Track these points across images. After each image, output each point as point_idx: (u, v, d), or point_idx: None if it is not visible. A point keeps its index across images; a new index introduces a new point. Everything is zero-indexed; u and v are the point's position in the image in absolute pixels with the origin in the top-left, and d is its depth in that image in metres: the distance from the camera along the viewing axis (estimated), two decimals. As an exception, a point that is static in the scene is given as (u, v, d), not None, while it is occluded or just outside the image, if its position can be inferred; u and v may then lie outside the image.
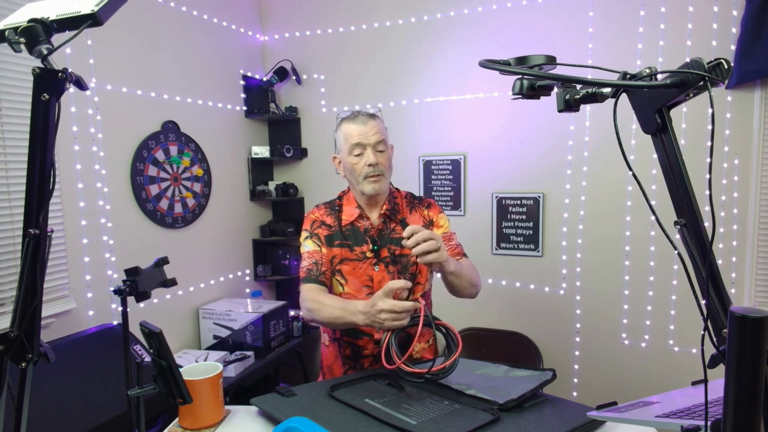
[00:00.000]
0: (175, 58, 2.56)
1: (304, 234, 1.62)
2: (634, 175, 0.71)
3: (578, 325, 2.69)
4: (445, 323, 1.35)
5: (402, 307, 1.28)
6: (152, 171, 2.41)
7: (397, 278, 1.56)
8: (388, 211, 1.60)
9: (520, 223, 2.75)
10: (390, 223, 1.60)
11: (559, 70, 0.77)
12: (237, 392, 2.35)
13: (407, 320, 1.30)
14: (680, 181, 0.68)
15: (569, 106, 0.77)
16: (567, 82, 0.74)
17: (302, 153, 3.22)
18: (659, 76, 0.66)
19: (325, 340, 1.66)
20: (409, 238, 1.34)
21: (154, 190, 2.42)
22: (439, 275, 1.73)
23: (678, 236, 0.70)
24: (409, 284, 1.33)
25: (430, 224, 1.65)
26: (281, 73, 3.10)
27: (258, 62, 3.21)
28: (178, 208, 2.57)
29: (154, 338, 1.01)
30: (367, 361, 1.58)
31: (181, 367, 1.13)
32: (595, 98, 0.74)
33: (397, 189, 1.68)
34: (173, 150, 2.54)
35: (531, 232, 2.73)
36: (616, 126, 0.68)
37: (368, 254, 1.56)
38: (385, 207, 1.59)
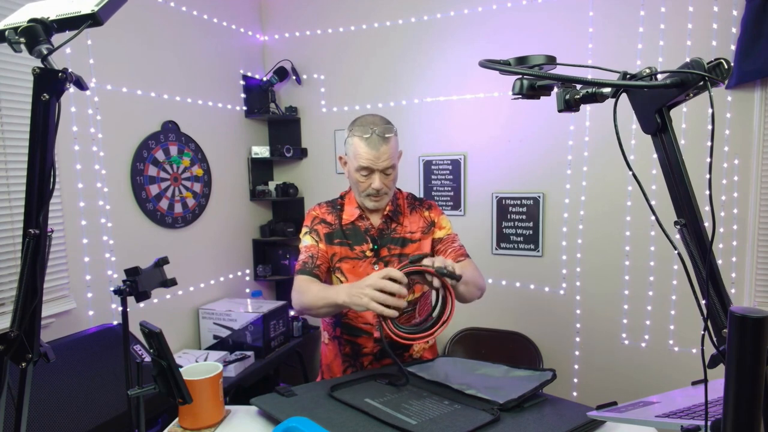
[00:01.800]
0: (175, 58, 2.56)
1: (304, 230, 1.62)
2: (634, 175, 0.71)
3: (578, 325, 2.69)
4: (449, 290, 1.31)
5: (394, 287, 1.20)
6: (152, 171, 2.41)
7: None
8: (390, 213, 1.59)
9: (520, 223, 2.75)
10: (391, 223, 1.60)
11: (559, 70, 0.77)
12: (237, 392, 2.35)
13: (391, 311, 1.21)
14: (680, 181, 0.68)
15: (569, 106, 0.77)
16: (567, 82, 0.74)
17: (302, 153, 3.22)
18: (659, 76, 0.66)
19: (325, 338, 1.66)
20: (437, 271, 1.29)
21: (154, 190, 2.42)
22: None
23: (678, 236, 0.70)
24: (405, 280, 1.24)
25: (431, 226, 1.64)
26: (281, 73, 3.10)
27: (258, 62, 3.21)
28: (178, 208, 2.57)
29: (154, 338, 1.01)
30: (367, 359, 1.58)
31: (181, 367, 1.13)
32: (595, 98, 0.74)
33: (399, 189, 1.67)
34: (173, 150, 2.53)
35: (531, 232, 2.73)
36: (616, 126, 0.68)
37: (368, 253, 1.56)
38: (387, 208, 1.59)
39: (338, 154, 1.64)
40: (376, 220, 1.60)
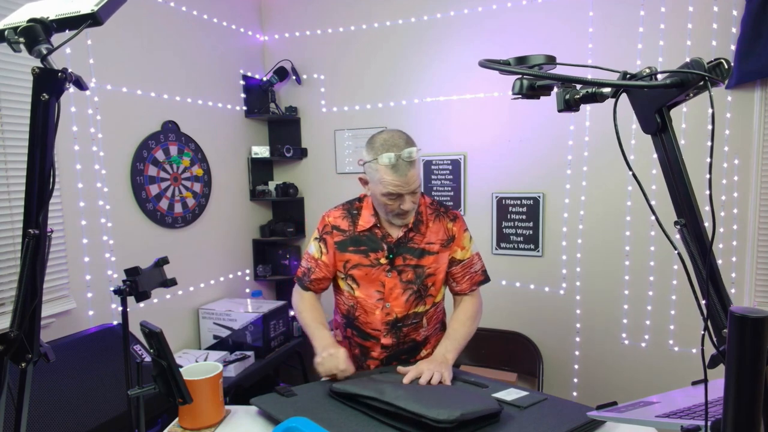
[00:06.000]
0: (175, 58, 2.56)
1: (314, 233, 1.61)
2: (634, 175, 0.71)
3: (578, 325, 2.69)
4: None
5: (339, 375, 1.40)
6: (152, 171, 2.41)
7: (408, 288, 1.54)
8: (411, 224, 1.53)
9: (520, 223, 2.75)
10: (410, 233, 1.54)
11: (559, 70, 0.77)
12: (237, 392, 2.35)
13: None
14: (680, 181, 0.68)
15: (569, 106, 0.77)
16: (567, 82, 0.74)
17: (302, 153, 3.22)
18: (659, 76, 0.66)
19: (338, 335, 1.65)
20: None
21: (154, 190, 2.42)
22: (447, 289, 1.72)
23: (678, 236, 0.70)
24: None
25: (451, 240, 1.57)
26: (281, 73, 3.10)
27: (258, 62, 3.21)
28: (178, 208, 2.56)
29: (154, 338, 1.01)
30: (374, 364, 1.58)
31: (181, 367, 1.13)
32: (595, 98, 0.74)
33: (422, 194, 1.59)
34: (173, 150, 2.53)
35: (531, 232, 2.73)
36: (616, 126, 0.68)
37: (382, 261, 1.53)
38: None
39: (358, 169, 1.58)
40: (395, 230, 1.54)
